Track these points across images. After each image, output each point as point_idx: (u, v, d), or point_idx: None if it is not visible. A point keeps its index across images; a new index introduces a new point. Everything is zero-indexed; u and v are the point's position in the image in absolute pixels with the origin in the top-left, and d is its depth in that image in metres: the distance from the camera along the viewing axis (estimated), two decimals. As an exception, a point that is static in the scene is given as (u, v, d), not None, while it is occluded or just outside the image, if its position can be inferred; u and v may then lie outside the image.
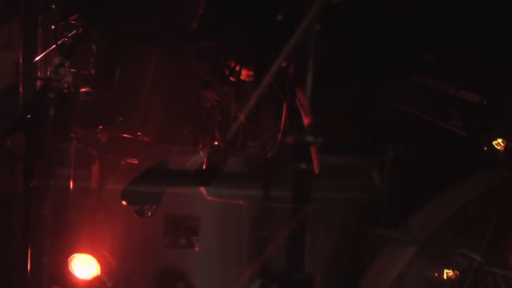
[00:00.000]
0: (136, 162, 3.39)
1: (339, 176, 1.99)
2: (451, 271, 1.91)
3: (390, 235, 2.01)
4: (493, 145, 2.21)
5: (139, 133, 3.34)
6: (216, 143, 2.89)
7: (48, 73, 3.57)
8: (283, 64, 1.94)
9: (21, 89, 3.97)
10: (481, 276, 1.88)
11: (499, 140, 2.19)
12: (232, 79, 1.96)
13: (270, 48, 1.92)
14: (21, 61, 3.95)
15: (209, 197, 1.92)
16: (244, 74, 1.97)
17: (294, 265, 2.01)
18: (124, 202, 1.83)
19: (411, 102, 2.72)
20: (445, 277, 1.96)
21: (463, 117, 2.50)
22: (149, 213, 1.86)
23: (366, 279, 2.02)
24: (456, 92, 2.54)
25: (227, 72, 1.95)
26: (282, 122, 2.00)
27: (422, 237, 2.08)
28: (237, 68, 1.93)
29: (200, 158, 3.28)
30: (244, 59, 1.92)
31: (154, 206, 1.86)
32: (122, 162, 3.45)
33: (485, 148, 2.24)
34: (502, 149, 2.15)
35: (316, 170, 1.84)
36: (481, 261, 1.83)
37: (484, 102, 2.42)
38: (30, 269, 2.16)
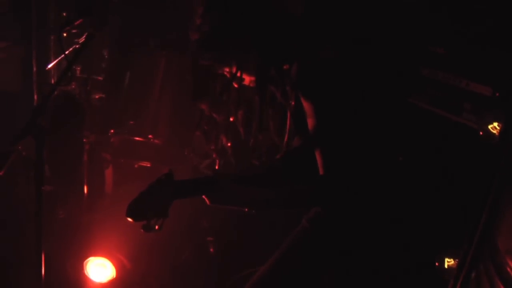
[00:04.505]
0: (149, 165, 3.42)
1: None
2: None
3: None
4: (488, 129, 2.16)
5: (150, 136, 3.36)
6: (222, 149, 2.89)
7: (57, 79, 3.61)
8: (285, 67, 1.92)
9: (35, 97, 4.04)
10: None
11: (495, 124, 2.14)
12: (235, 85, 1.95)
13: (270, 51, 1.90)
14: (34, 69, 4.02)
15: (210, 204, 1.90)
16: (247, 80, 1.96)
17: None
18: (129, 219, 1.82)
19: (422, 96, 2.70)
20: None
21: (475, 110, 2.46)
22: (157, 227, 1.85)
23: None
24: (468, 85, 2.51)
25: (229, 77, 1.94)
26: (287, 125, 1.98)
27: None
28: (238, 74, 1.91)
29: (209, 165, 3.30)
30: (245, 65, 1.91)
31: (161, 220, 1.85)
32: (136, 166, 3.49)
33: (481, 133, 2.19)
34: (497, 132, 2.10)
35: (321, 171, 1.81)
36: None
37: (497, 94, 2.38)
38: (45, 273, 2.18)
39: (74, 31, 3.27)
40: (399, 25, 2.72)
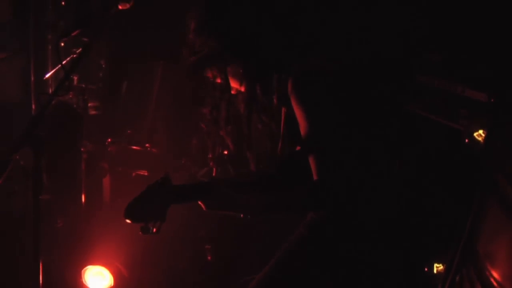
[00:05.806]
0: (146, 174, 3.43)
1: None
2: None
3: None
4: (474, 137, 2.17)
5: (147, 145, 3.38)
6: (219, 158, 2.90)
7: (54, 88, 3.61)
8: (276, 75, 1.94)
9: (33, 106, 4.05)
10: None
11: (480, 131, 2.16)
12: (229, 93, 1.97)
13: (261, 60, 1.92)
14: (32, 78, 4.03)
15: (207, 210, 1.91)
16: (240, 89, 1.98)
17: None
18: (127, 220, 1.83)
19: (418, 103, 2.71)
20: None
21: (471, 116, 2.48)
22: (154, 230, 1.85)
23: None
24: (464, 91, 2.52)
25: (221, 87, 1.96)
26: (281, 132, 2.00)
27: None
28: (231, 85, 1.93)
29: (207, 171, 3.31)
30: (237, 74, 1.93)
31: (158, 223, 1.86)
32: (133, 174, 3.50)
33: (466, 140, 2.20)
34: (482, 140, 2.12)
35: (315, 177, 1.82)
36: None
37: (492, 100, 2.40)
38: (43, 282, 2.18)
39: (72, 40, 3.30)
40: (394, 32, 2.74)
